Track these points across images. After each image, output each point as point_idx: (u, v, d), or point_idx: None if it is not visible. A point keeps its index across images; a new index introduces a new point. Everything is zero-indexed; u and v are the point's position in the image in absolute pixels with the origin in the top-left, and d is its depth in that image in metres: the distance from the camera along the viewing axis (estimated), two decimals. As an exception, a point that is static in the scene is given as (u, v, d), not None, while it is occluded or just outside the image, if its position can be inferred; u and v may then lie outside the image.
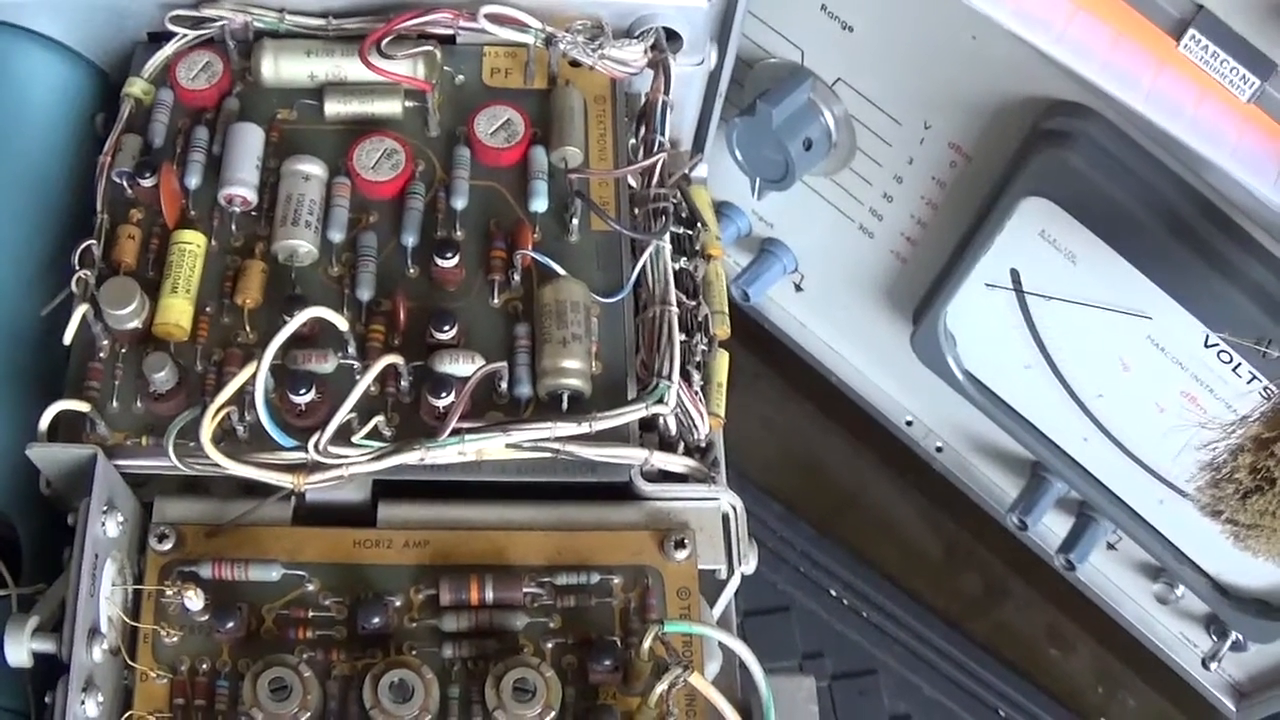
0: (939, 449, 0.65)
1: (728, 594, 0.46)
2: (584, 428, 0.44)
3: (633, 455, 0.45)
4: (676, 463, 0.46)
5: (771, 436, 0.67)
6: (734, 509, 0.46)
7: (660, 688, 0.41)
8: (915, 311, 0.59)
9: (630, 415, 0.44)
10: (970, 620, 0.65)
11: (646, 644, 0.41)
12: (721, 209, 0.63)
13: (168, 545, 0.44)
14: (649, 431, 0.46)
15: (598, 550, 0.44)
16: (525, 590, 0.43)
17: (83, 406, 0.44)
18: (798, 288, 0.65)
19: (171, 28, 0.50)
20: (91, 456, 0.43)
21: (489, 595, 0.43)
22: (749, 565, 0.46)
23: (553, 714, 0.41)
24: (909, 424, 0.65)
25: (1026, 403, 0.58)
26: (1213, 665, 0.61)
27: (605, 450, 0.44)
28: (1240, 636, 0.59)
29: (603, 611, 0.44)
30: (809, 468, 0.67)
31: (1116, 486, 0.58)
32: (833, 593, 0.63)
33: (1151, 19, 0.48)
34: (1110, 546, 0.62)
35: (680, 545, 0.44)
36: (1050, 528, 0.63)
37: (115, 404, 0.45)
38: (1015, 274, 0.54)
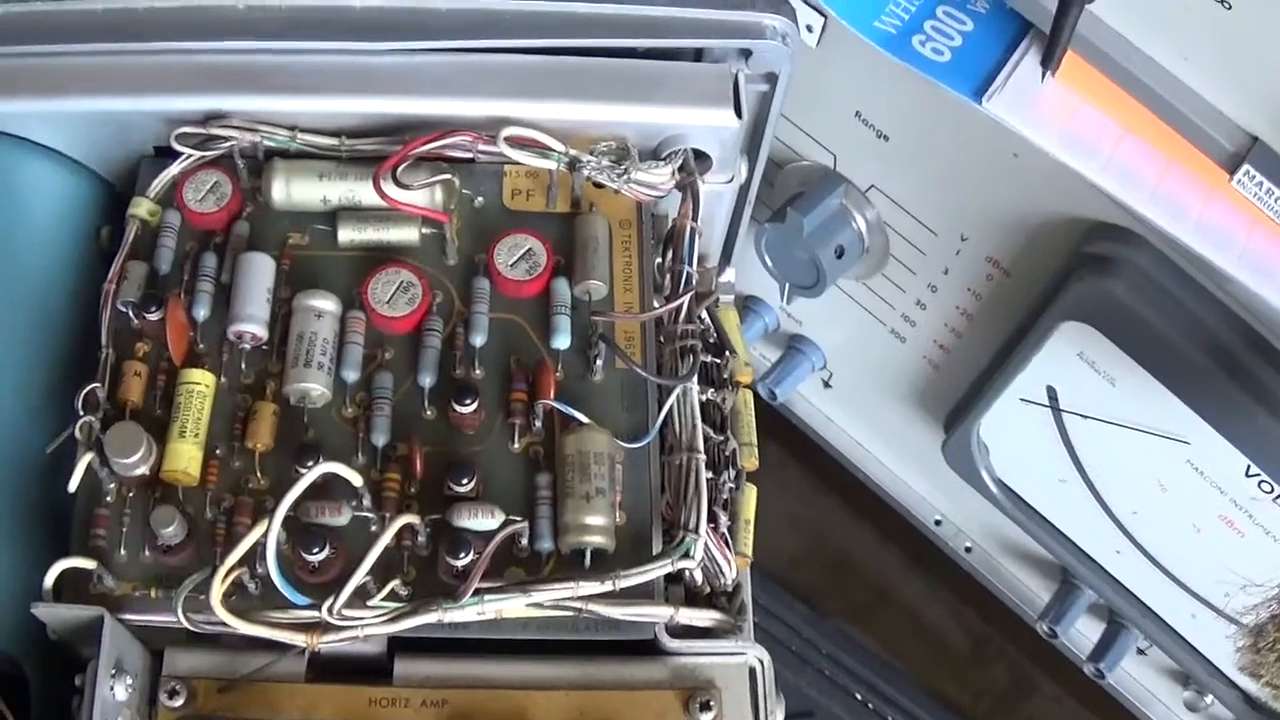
0: (968, 549, 0.63)
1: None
2: (608, 586, 0.42)
3: (658, 614, 0.43)
4: (703, 617, 0.44)
5: (796, 531, 0.66)
6: (761, 663, 0.45)
7: None
8: (947, 419, 0.57)
9: (656, 572, 0.43)
10: (997, 718, 0.63)
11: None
12: (749, 304, 0.62)
13: (179, 702, 0.42)
14: (674, 583, 0.45)
15: (621, 711, 0.43)
16: (547, 755, 0.42)
17: (89, 564, 0.43)
18: (826, 384, 0.64)
19: (178, 146, 0.48)
20: (99, 618, 0.42)
21: (509, 763, 0.42)
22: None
23: None
24: (938, 523, 0.64)
25: (1059, 514, 0.56)
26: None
27: (629, 609, 0.43)
28: (1272, 750, 0.58)
29: (625, 777, 0.42)
30: (835, 563, 0.65)
31: (1149, 599, 0.56)
32: (858, 696, 0.62)
33: (1205, 151, 0.46)
34: (1140, 652, 0.61)
35: (705, 707, 0.43)
36: (1080, 631, 0.61)
37: (123, 552, 0.43)
38: (1052, 391, 0.52)
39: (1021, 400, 0.53)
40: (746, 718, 0.44)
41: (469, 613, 0.42)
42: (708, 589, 0.46)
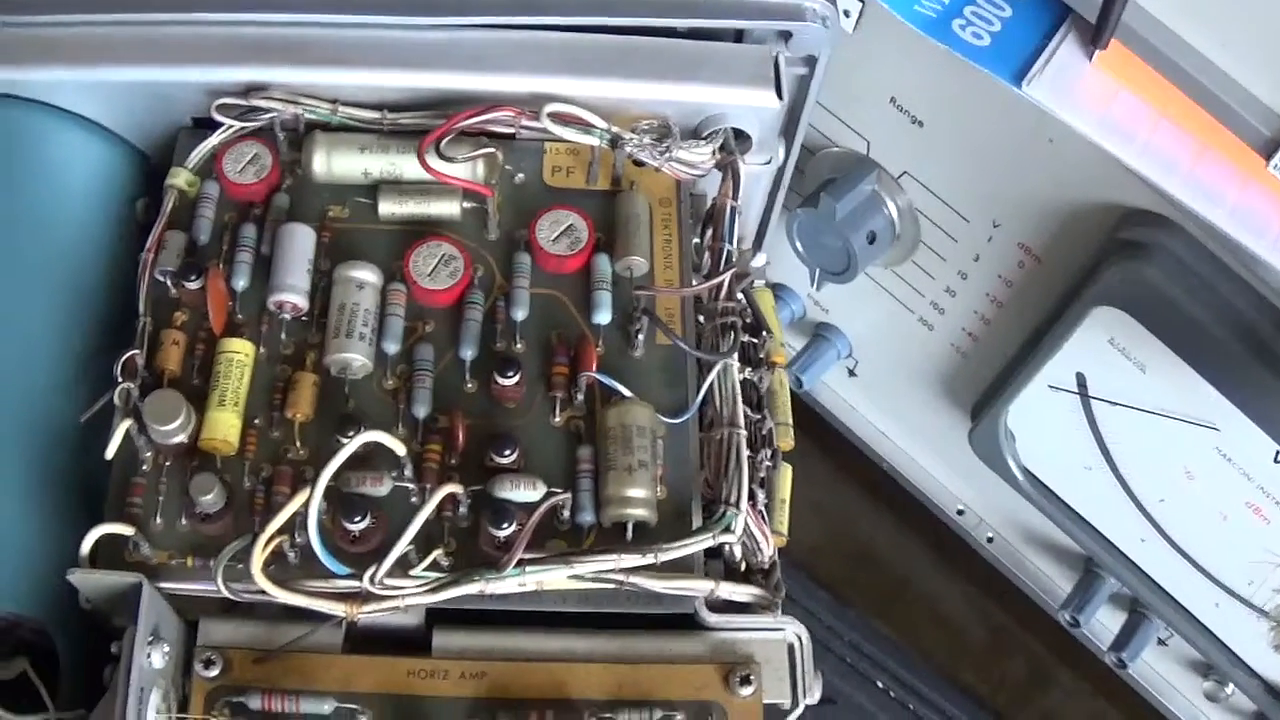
0: (990, 539, 0.64)
1: (788, 722, 0.45)
2: (649, 559, 0.42)
3: (699, 587, 0.43)
4: (742, 592, 0.44)
5: (820, 520, 0.66)
6: (799, 639, 0.45)
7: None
8: (974, 407, 0.57)
9: (697, 545, 0.43)
10: (1016, 709, 0.64)
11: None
12: (777, 291, 0.62)
13: (214, 671, 0.42)
14: (713, 558, 0.45)
15: (661, 684, 0.43)
16: (587, 729, 0.42)
17: (126, 530, 0.42)
18: (851, 373, 0.64)
19: (218, 117, 0.48)
20: (136, 585, 0.41)
21: (549, 733, 0.42)
22: (813, 696, 0.45)
23: None
24: (960, 513, 0.64)
25: (1085, 502, 0.57)
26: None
27: (671, 582, 0.43)
28: (1293, 740, 0.58)
29: (665, 751, 0.42)
30: (858, 553, 0.65)
31: (1172, 588, 0.57)
32: (879, 684, 0.62)
33: (1241, 136, 0.46)
34: (1161, 642, 0.61)
35: (746, 681, 0.43)
36: (1101, 621, 0.62)
37: (159, 521, 0.43)
38: (1081, 378, 0.52)
39: (1050, 387, 0.53)
40: (785, 692, 0.44)
41: (510, 584, 0.42)
42: (744, 566, 0.46)
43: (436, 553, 0.42)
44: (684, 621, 0.44)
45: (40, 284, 0.48)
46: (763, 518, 0.45)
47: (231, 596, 0.42)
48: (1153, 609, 0.58)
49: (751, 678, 0.43)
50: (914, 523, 0.65)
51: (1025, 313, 0.54)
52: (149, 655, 0.41)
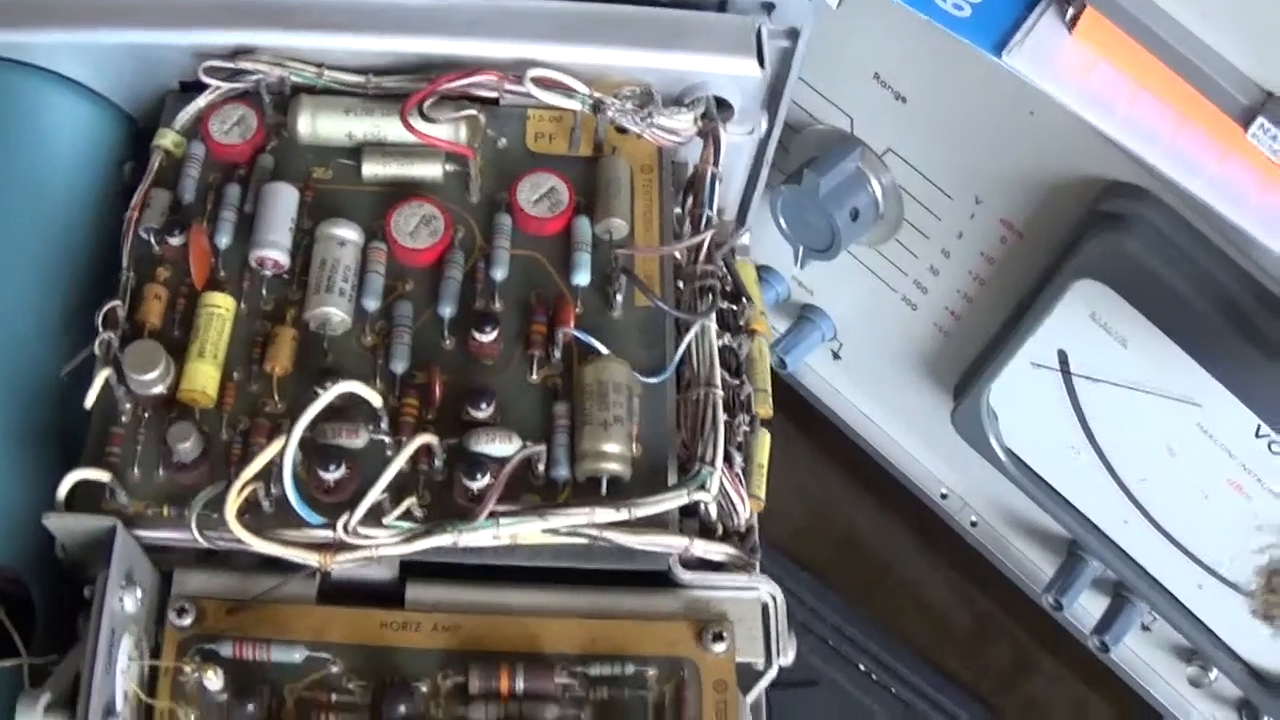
0: (974, 523, 0.64)
1: (763, 684, 0.44)
2: (623, 514, 0.42)
3: (673, 543, 0.43)
4: (717, 550, 0.44)
5: (803, 504, 0.66)
6: (774, 599, 0.45)
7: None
8: (957, 387, 0.57)
9: (672, 502, 0.43)
10: (999, 695, 0.63)
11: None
12: (761, 273, 0.62)
13: (187, 620, 0.42)
14: (688, 517, 0.45)
15: (633, 640, 0.43)
16: (557, 681, 0.42)
17: (103, 476, 0.43)
18: (835, 355, 0.64)
19: (205, 79, 0.48)
20: (111, 529, 0.41)
21: (520, 685, 0.41)
22: (787, 657, 0.44)
23: (583, 808, 0.40)
24: (944, 497, 0.64)
25: (1067, 483, 0.57)
26: (1245, 752, 0.60)
27: (644, 538, 0.43)
28: (1274, 724, 0.58)
29: (636, 706, 0.42)
30: (841, 537, 0.65)
31: (1155, 570, 0.56)
32: (861, 667, 0.62)
33: (1219, 105, 0.46)
34: (1144, 628, 0.61)
35: (718, 638, 0.43)
36: (1085, 607, 0.61)
37: (136, 471, 0.43)
38: (1063, 355, 0.53)
39: (1033, 365, 0.53)
40: (759, 651, 0.44)
41: (483, 536, 0.42)
42: (721, 529, 0.45)
43: (410, 501, 0.42)
44: (658, 579, 0.44)
45: (26, 242, 0.48)
46: (740, 480, 0.45)
47: (205, 543, 0.42)
48: (1136, 592, 0.58)
49: (724, 634, 0.43)
50: (897, 507, 0.65)
51: (1007, 290, 0.54)
52: (121, 599, 0.41)
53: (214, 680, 0.41)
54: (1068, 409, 0.54)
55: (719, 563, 0.44)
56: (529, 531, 0.42)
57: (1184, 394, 0.50)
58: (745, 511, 0.45)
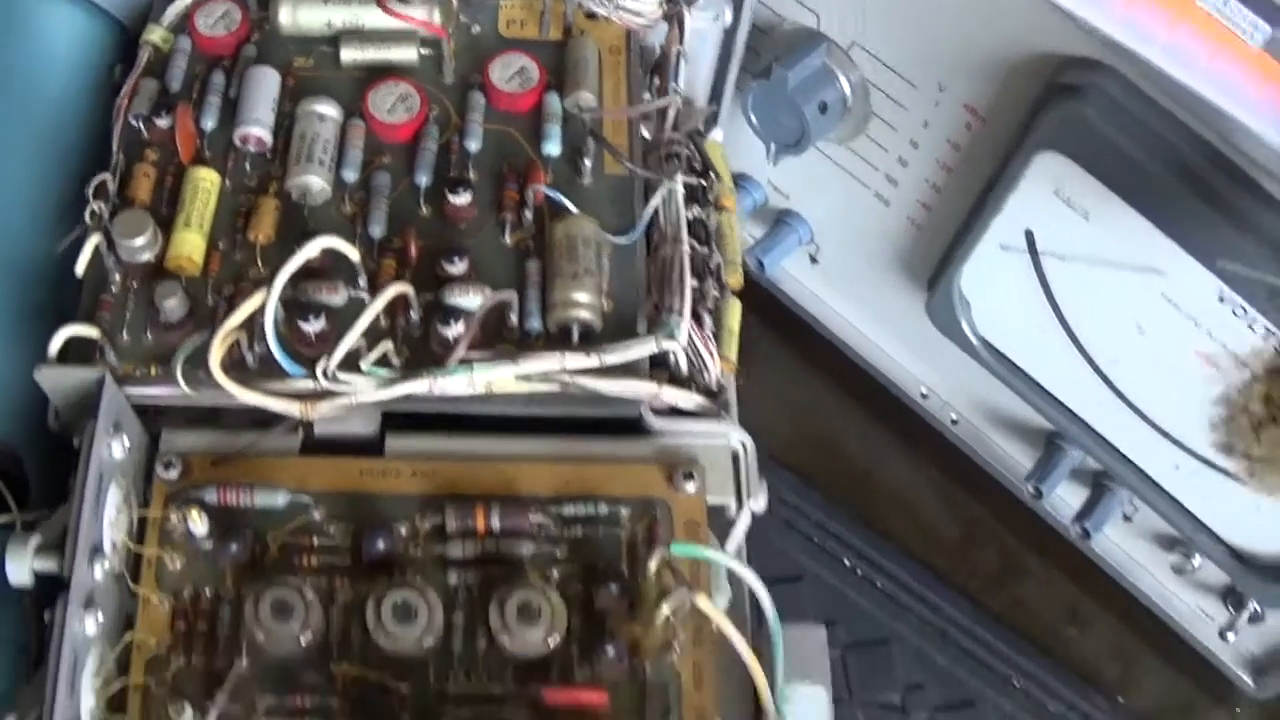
0: (954, 421, 0.64)
1: (738, 533, 0.45)
2: (593, 360, 0.44)
3: (643, 389, 0.44)
4: (686, 398, 0.45)
5: (785, 411, 0.67)
6: (744, 446, 0.46)
7: (665, 610, 0.40)
8: (930, 279, 0.58)
9: (640, 349, 0.44)
10: (987, 597, 0.64)
11: (653, 565, 0.41)
12: (738, 180, 0.64)
13: (174, 473, 0.44)
14: (659, 369, 0.46)
15: (606, 482, 0.44)
16: (533, 519, 0.43)
17: (93, 332, 0.44)
18: (813, 259, 0.65)
19: (192, -24, 0.51)
20: (99, 379, 0.43)
21: (495, 523, 0.43)
22: (759, 503, 0.45)
23: (557, 638, 0.41)
24: (924, 396, 0.65)
25: (1041, 369, 0.58)
26: (1230, 636, 0.60)
27: (615, 384, 0.44)
28: (1258, 606, 0.58)
29: (610, 542, 0.43)
30: (824, 443, 0.66)
31: (1132, 452, 0.57)
32: (846, 562, 0.62)
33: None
34: (1126, 518, 0.61)
35: (689, 477, 0.44)
36: (1067, 500, 0.62)
37: (125, 336, 0.45)
38: (1029, 234, 0.54)
39: (1001, 248, 0.55)
40: (729, 494, 0.45)
41: (459, 381, 0.43)
42: (694, 387, 0.47)
43: (386, 345, 0.44)
44: (630, 426, 0.45)
45: (21, 138, 0.50)
46: (710, 340, 0.46)
47: (191, 393, 0.44)
48: (1115, 478, 0.59)
49: (694, 474, 0.44)
50: (880, 412, 0.66)
51: (974, 176, 0.55)
52: (109, 445, 0.42)
53: (199, 524, 0.42)
54: (1037, 291, 0.55)
55: (690, 412, 0.46)
56: (503, 378, 0.44)
57: (1146, 263, 0.51)
58: (716, 369, 0.46)
